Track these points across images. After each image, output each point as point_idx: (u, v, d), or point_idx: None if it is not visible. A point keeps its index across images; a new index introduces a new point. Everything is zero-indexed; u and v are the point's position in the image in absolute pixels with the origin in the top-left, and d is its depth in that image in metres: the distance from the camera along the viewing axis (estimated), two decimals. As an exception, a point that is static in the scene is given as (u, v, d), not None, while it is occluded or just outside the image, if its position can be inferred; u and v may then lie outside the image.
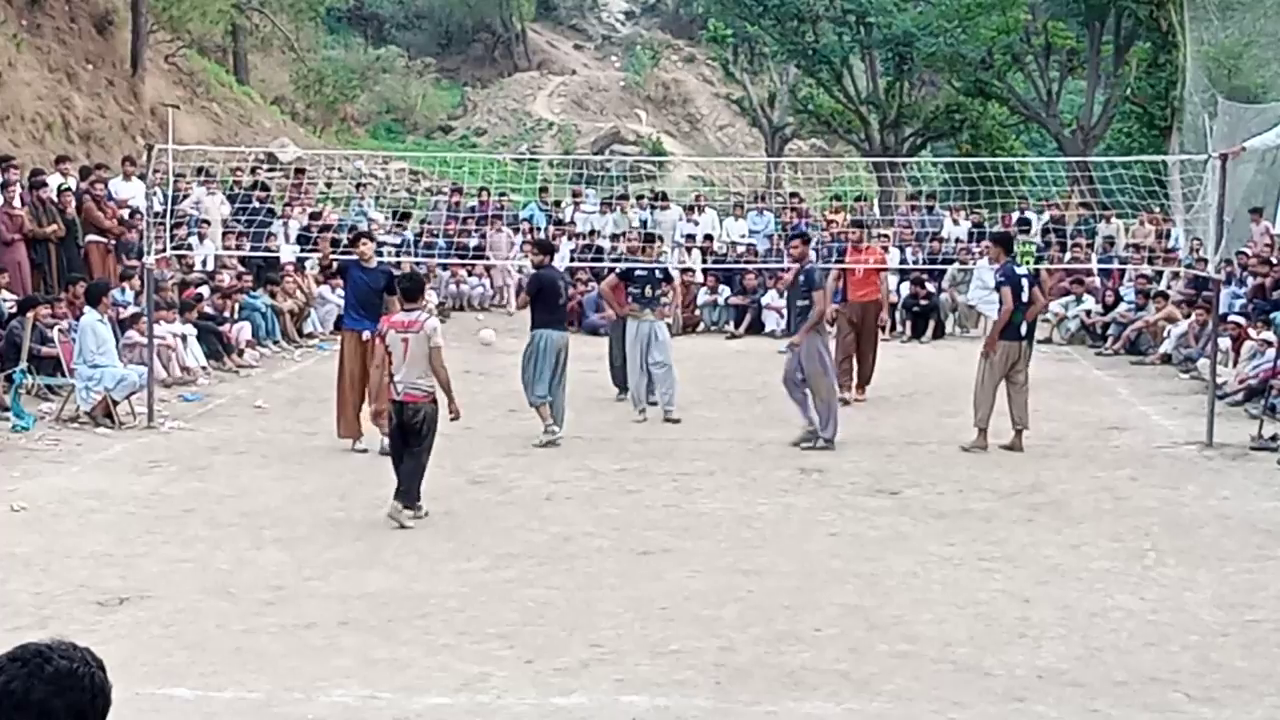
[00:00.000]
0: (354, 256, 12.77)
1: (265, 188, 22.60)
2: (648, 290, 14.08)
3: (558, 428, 12.77)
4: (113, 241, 17.57)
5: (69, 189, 17.29)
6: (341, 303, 19.45)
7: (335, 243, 17.62)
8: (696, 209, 24.69)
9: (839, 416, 12.83)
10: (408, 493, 9.90)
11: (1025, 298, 12.76)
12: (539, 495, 10.89)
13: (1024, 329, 12.80)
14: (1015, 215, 22.64)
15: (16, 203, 16.00)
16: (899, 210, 24.02)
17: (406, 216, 23.53)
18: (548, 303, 12.87)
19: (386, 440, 12.32)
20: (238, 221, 19.92)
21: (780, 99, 38.89)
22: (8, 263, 15.34)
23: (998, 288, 13.10)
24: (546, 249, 13.55)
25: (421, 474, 9.99)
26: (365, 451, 12.18)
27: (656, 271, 14.45)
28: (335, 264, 13.43)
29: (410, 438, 9.95)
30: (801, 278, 13.01)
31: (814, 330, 12.75)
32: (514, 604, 8.06)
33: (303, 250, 19.58)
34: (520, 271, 23.39)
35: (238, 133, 32.37)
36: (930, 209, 24.05)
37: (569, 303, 20.51)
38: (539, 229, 23.41)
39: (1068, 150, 30.91)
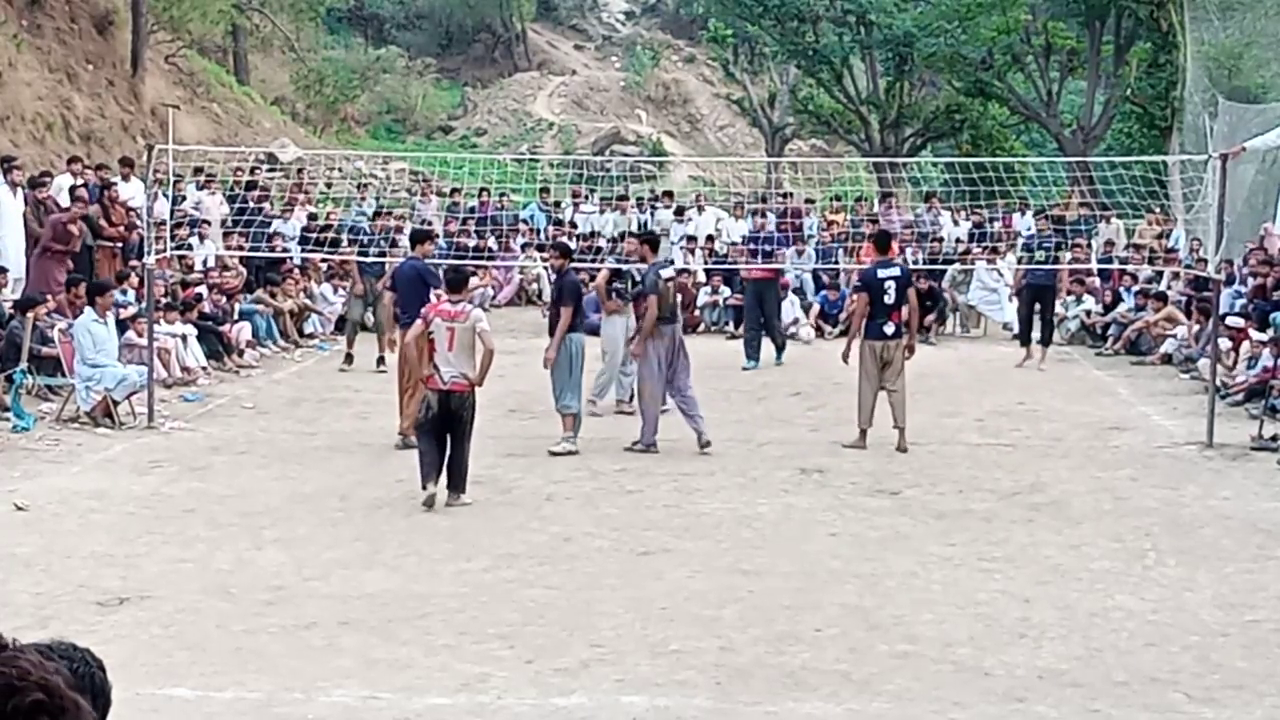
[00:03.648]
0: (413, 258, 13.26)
1: (262, 187, 22.54)
2: (630, 287, 14.05)
3: (575, 438, 12.63)
4: (118, 245, 17.58)
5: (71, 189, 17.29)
6: (339, 305, 19.68)
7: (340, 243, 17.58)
8: (697, 209, 24.68)
9: (657, 423, 12.79)
10: (460, 478, 10.52)
11: (891, 300, 12.70)
12: (539, 495, 10.90)
13: (890, 329, 12.72)
14: (1015, 215, 22.66)
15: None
16: (882, 209, 23.99)
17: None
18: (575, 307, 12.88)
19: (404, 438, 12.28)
20: (237, 221, 19.90)
21: (780, 99, 38.89)
22: (43, 268, 15.43)
23: (855, 292, 13.15)
24: (568, 252, 13.45)
25: (468, 458, 10.61)
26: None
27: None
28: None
29: (454, 426, 10.44)
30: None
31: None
32: (514, 604, 8.06)
33: (304, 250, 19.55)
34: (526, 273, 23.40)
35: (238, 133, 32.36)
36: (929, 208, 24.04)
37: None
38: (538, 230, 23.39)
39: (1068, 150, 30.91)
